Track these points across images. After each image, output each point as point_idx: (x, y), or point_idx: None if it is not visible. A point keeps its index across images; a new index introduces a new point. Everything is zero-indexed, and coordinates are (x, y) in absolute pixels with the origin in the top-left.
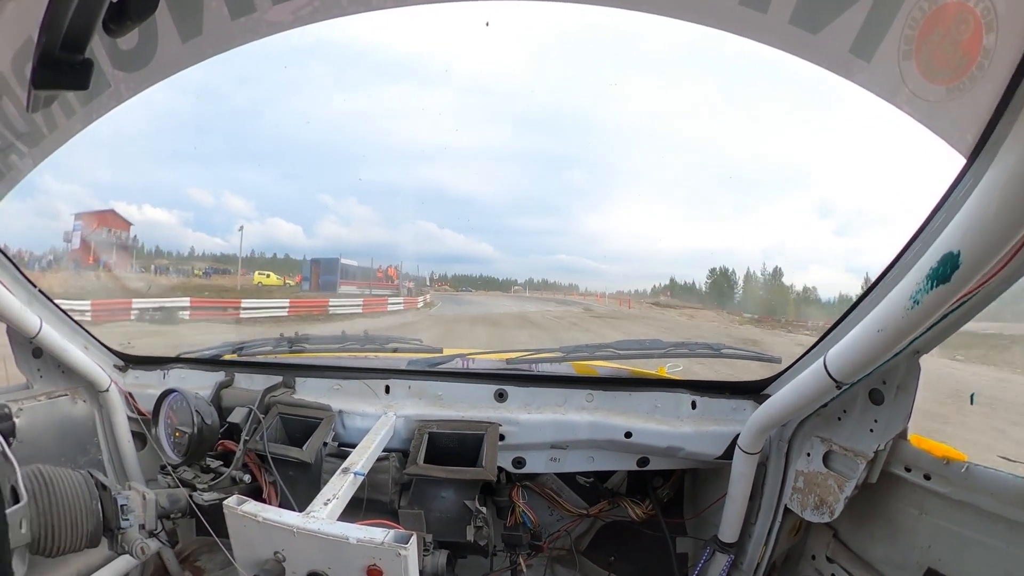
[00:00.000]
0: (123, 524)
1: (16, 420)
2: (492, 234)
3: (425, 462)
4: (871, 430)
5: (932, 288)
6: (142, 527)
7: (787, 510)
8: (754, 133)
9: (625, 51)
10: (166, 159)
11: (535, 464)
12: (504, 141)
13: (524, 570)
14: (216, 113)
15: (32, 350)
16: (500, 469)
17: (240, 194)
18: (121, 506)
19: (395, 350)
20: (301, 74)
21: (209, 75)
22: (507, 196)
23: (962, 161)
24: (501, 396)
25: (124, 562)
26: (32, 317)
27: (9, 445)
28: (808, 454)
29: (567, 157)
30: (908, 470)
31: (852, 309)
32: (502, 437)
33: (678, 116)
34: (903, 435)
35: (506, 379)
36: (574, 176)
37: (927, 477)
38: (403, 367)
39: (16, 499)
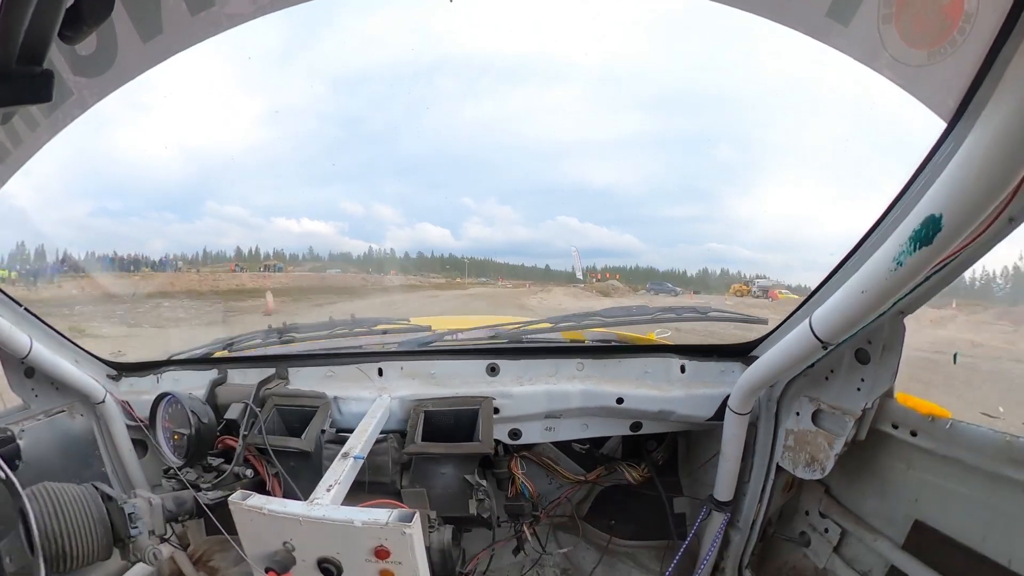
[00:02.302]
0: (132, 532)
1: (20, 442)
2: (636, 224)
3: (423, 440)
4: (858, 389)
5: (915, 250)
6: (152, 533)
7: (779, 468)
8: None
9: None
10: (318, 180)
11: (531, 434)
12: (638, 127)
13: (528, 539)
14: (356, 136)
15: (24, 370)
16: (497, 442)
17: (387, 203)
18: (129, 514)
19: (384, 331)
20: (429, 92)
21: (343, 104)
22: (647, 184)
23: (943, 125)
24: (493, 370)
25: (139, 570)
26: (22, 336)
27: (16, 468)
28: (797, 413)
29: (708, 136)
30: (895, 427)
31: (836, 270)
32: (497, 410)
33: (826, 72)
34: (890, 393)
35: (497, 353)
36: (718, 156)
37: (913, 434)
38: (394, 348)
39: (25, 521)
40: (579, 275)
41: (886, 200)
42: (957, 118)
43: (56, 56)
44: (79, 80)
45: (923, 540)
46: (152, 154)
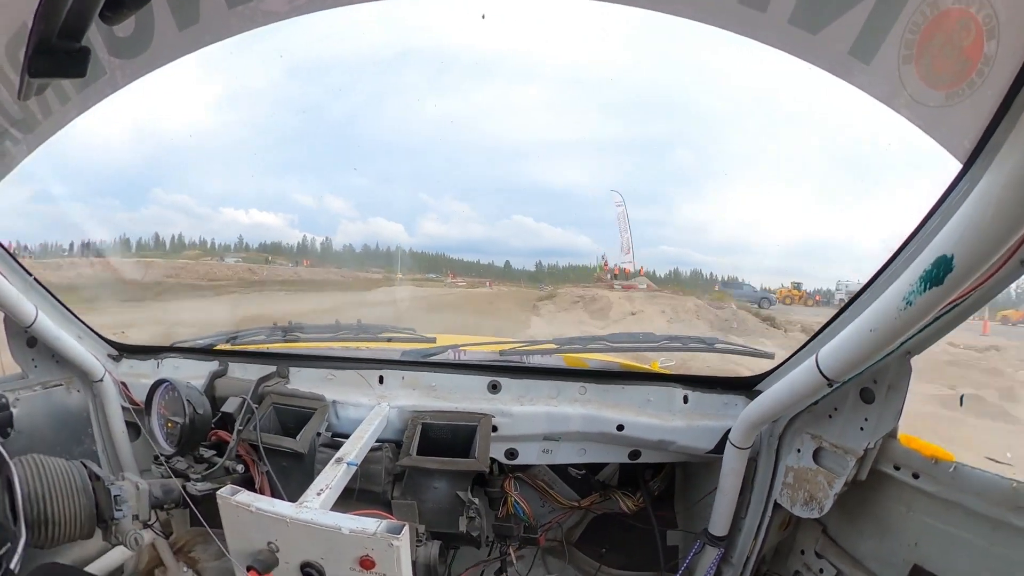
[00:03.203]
0: (116, 514)
1: (13, 410)
2: (591, 226)
3: (418, 453)
4: (861, 428)
5: (925, 290)
6: (136, 517)
7: (777, 505)
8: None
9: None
10: (270, 169)
11: (527, 455)
12: (598, 131)
13: (515, 562)
14: (312, 125)
15: (27, 339)
16: (493, 460)
17: (340, 196)
18: (115, 496)
19: (389, 340)
20: (393, 82)
21: (301, 91)
22: (604, 188)
23: (959, 166)
24: (495, 387)
25: (118, 553)
26: (28, 306)
27: (7, 436)
28: (798, 450)
29: (665, 143)
30: (897, 468)
31: (846, 308)
32: (495, 428)
33: (784, 91)
34: (893, 434)
35: (499, 371)
36: (673, 163)
37: (915, 476)
38: (397, 357)
39: (11, 490)
40: (628, 255)
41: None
42: (972, 160)
43: (94, 35)
44: (113, 60)
45: None
46: (100, 134)
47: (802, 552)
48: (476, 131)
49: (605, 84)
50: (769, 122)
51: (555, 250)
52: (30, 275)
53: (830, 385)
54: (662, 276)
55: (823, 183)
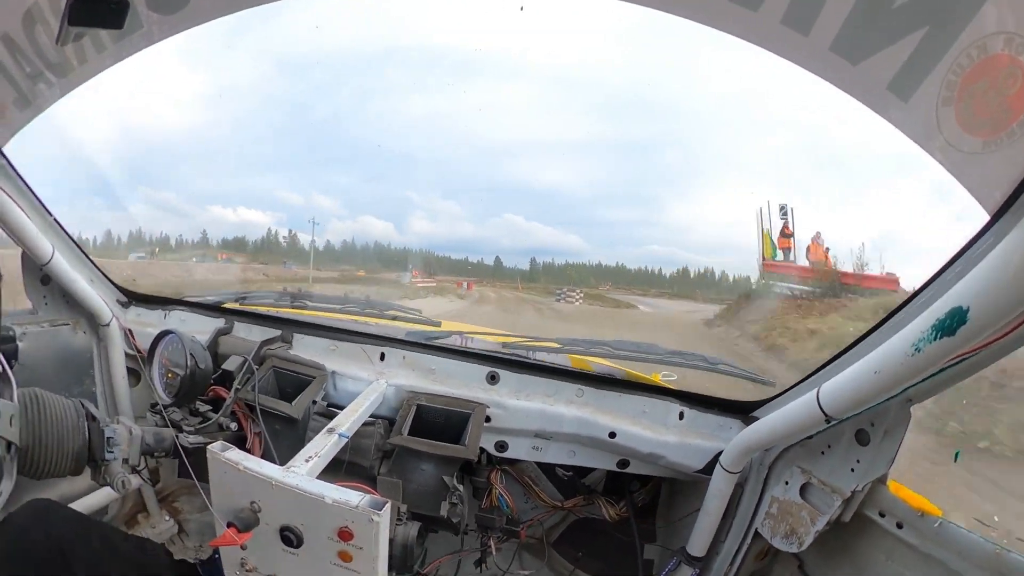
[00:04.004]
0: (107, 456)
1: (19, 343)
2: (581, 226)
3: (410, 434)
4: (852, 469)
5: (936, 339)
6: (125, 461)
7: (757, 534)
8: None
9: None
10: (257, 167)
11: (517, 450)
12: (588, 131)
13: (494, 552)
14: (299, 123)
15: (41, 277)
16: (482, 450)
17: (328, 194)
18: (108, 438)
19: (394, 318)
20: (377, 82)
21: (288, 88)
22: (594, 187)
23: (986, 217)
24: (493, 378)
25: (104, 494)
26: (45, 244)
27: (11, 367)
28: (786, 482)
29: (653, 143)
30: (882, 515)
31: (854, 345)
32: (488, 419)
33: (770, 94)
34: (883, 480)
35: (500, 362)
36: (661, 163)
37: (899, 525)
38: (401, 336)
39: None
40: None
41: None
42: (1001, 213)
43: None
44: (151, 15)
45: None
46: (87, 131)
47: None
48: (463, 130)
49: (594, 84)
50: (759, 123)
51: (546, 249)
52: (50, 214)
53: (827, 421)
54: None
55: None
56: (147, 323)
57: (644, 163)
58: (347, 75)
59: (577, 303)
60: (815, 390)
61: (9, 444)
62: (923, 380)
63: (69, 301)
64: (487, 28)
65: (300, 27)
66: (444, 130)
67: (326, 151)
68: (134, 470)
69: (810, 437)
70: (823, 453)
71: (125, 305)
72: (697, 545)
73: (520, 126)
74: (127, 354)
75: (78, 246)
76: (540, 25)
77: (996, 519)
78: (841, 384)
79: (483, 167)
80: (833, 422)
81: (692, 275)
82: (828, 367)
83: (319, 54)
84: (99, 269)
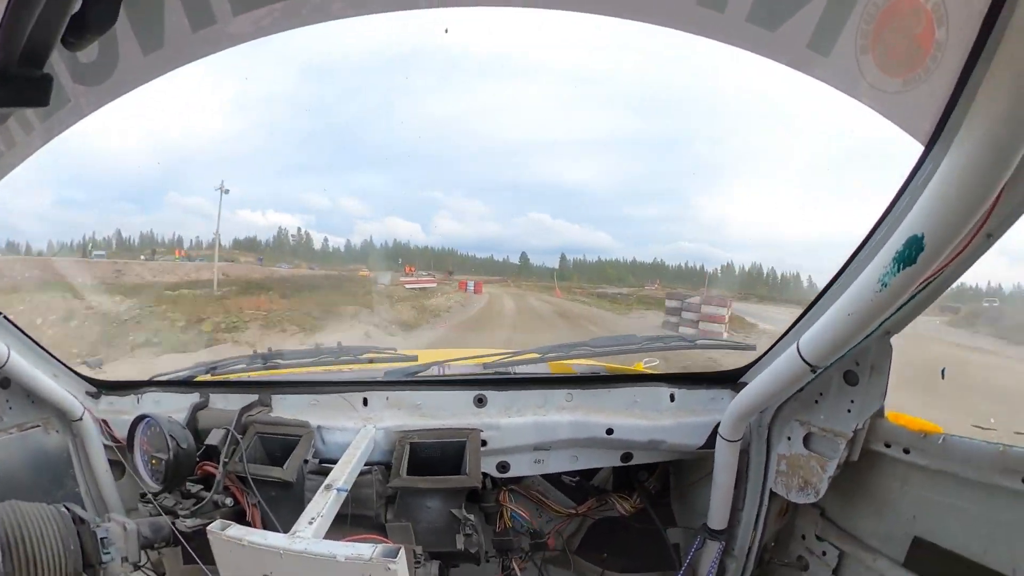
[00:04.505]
0: (104, 558)
1: None
2: (609, 223)
3: (408, 473)
4: (848, 410)
5: (899, 270)
6: (125, 559)
7: (773, 494)
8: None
9: None
10: (285, 172)
11: (519, 467)
12: (612, 127)
13: (518, 573)
14: (325, 128)
15: (0, 380)
16: (485, 475)
17: (356, 196)
18: (101, 539)
19: (370, 360)
20: (401, 84)
21: (313, 94)
22: (621, 182)
23: (920, 148)
24: (480, 401)
25: None
26: None
27: None
28: (789, 438)
29: (680, 137)
30: (888, 446)
31: (823, 294)
32: (484, 443)
33: (800, 85)
34: (880, 413)
35: (484, 384)
36: (688, 156)
37: (906, 451)
38: (379, 378)
39: None
40: None
41: (867, 220)
42: (933, 141)
43: (56, 61)
44: (78, 87)
45: (924, 556)
46: (116, 141)
47: (803, 537)
48: (487, 129)
49: (617, 79)
50: (788, 114)
51: (572, 247)
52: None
53: (813, 371)
54: None
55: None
56: (121, 410)
57: (671, 157)
58: (371, 79)
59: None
60: (795, 344)
61: None
62: (896, 311)
63: (35, 401)
64: (508, 28)
65: (323, 34)
66: (468, 130)
67: (352, 154)
68: (136, 567)
69: (801, 390)
70: (817, 402)
71: (95, 396)
72: (717, 519)
73: (544, 124)
74: (106, 446)
75: (35, 342)
76: (560, 24)
77: (992, 420)
78: (818, 333)
79: (507, 165)
80: (819, 370)
81: (737, 272)
82: (803, 320)
83: (342, 62)
84: (62, 363)
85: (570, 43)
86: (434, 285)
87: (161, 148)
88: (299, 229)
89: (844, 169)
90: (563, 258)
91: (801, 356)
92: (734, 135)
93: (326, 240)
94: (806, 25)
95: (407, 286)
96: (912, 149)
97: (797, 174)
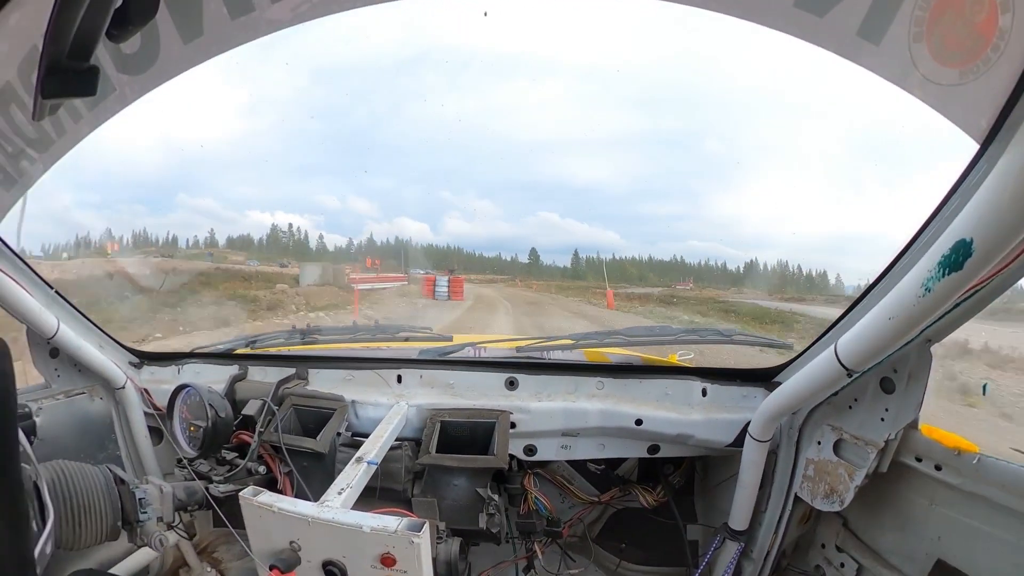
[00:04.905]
0: (142, 517)
1: (36, 419)
2: (618, 221)
3: (437, 451)
4: (882, 419)
5: (944, 276)
6: (160, 519)
7: (797, 498)
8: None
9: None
10: (295, 173)
11: (546, 452)
12: (622, 126)
13: (540, 556)
14: (335, 129)
15: (49, 350)
16: (511, 457)
17: (365, 197)
18: (139, 499)
19: (406, 339)
20: (411, 85)
21: (323, 96)
22: (631, 182)
23: (975, 147)
24: (512, 384)
25: (144, 554)
26: (50, 318)
27: (31, 443)
28: (819, 442)
29: (690, 134)
30: (919, 460)
31: (864, 296)
32: (513, 425)
33: (810, 79)
34: (914, 424)
35: (517, 367)
36: (700, 154)
37: (938, 468)
38: (414, 356)
39: (39, 495)
40: None
41: (912, 221)
42: (990, 140)
43: (102, 53)
44: (122, 77)
45: None
46: (127, 144)
47: (823, 546)
48: (497, 130)
49: (627, 77)
50: (800, 110)
51: (581, 245)
52: (51, 288)
53: (849, 375)
54: None
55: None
56: (162, 380)
57: (682, 155)
58: (381, 81)
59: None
60: (832, 346)
61: (44, 518)
62: (938, 319)
63: (81, 370)
64: (518, 27)
65: (333, 37)
66: (478, 130)
67: (362, 156)
68: (170, 527)
69: (835, 394)
70: (850, 408)
71: (137, 366)
72: (738, 519)
73: (553, 123)
74: (146, 413)
75: (83, 314)
76: (571, 22)
77: None
78: (857, 336)
79: (517, 165)
80: (855, 375)
81: (761, 271)
82: (842, 321)
83: (353, 62)
84: (107, 334)
85: (582, 41)
86: (400, 284)
87: (170, 149)
88: (290, 226)
89: (877, 166)
90: (576, 256)
91: (838, 359)
92: (747, 133)
93: (321, 237)
94: (857, 11)
95: (358, 286)
96: (966, 147)
97: (821, 171)
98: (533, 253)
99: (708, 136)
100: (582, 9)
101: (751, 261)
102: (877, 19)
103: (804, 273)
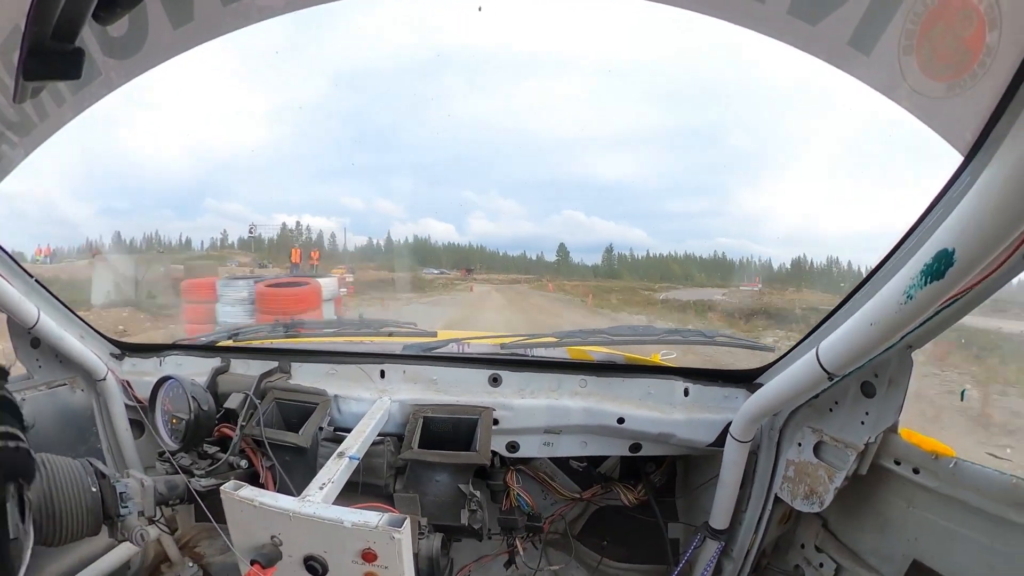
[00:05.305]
0: (122, 511)
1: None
2: (644, 219)
3: (420, 446)
4: (862, 422)
5: (926, 284)
6: (141, 514)
7: (777, 499)
8: None
9: None
10: (320, 176)
11: (529, 448)
12: (645, 121)
13: (521, 552)
14: (359, 132)
15: (31, 340)
16: (494, 453)
17: (390, 199)
18: (120, 493)
19: (390, 334)
20: (432, 87)
21: (346, 100)
22: (657, 178)
23: (960, 158)
24: (495, 381)
25: (125, 549)
26: (30, 307)
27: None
28: (799, 444)
29: (717, 128)
30: (898, 463)
31: (845, 301)
32: (496, 421)
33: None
34: (894, 428)
35: (500, 364)
36: (727, 148)
37: (916, 471)
38: (398, 351)
39: (19, 489)
40: None
41: (899, 226)
42: (974, 152)
43: (88, 36)
44: (108, 61)
45: None
46: (155, 152)
47: (802, 546)
48: (519, 128)
49: (650, 71)
50: (830, 102)
51: (607, 244)
52: (31, 277)
53: (830, 379)
54: None
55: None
56: (144, 372)
57: (709, 150)
58: (402, 84)
59: None
60: (814, 349)
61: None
62: (919, 326)
63: (63, 360)
64: (537, 26)
65: (352, 43)
66: (500, 129)
67: (386, 159)
68: (151, 521)
69: (816, 396)
70: (831, 410)
71: (119, 357)
72: (719, 518)
73: (576, 120)
74: (127, 406)
75: (64, 304)
76: (592, 16)
77: (1008, 450)
78: (839, 340)
79: (541, 163)
80: (836, 378)
81: (807, 268)
82: (824, 325)
83: (371, 67)
84: (88, 324)
85: (603, 37)
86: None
87: (197, 156)
88: (297, 224)
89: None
90: (608, 252)
91: (819, 362)
92: (776, 125)
93: (332, 236)
94: (849, 21)
95: (191, 301)
96: (950, 159)
97: (847, 166)
98: (562, 249)
99: (735, 129)
100: (600, 5)
101: (799, 257)
102: (868, 30)
103: (855, 270)
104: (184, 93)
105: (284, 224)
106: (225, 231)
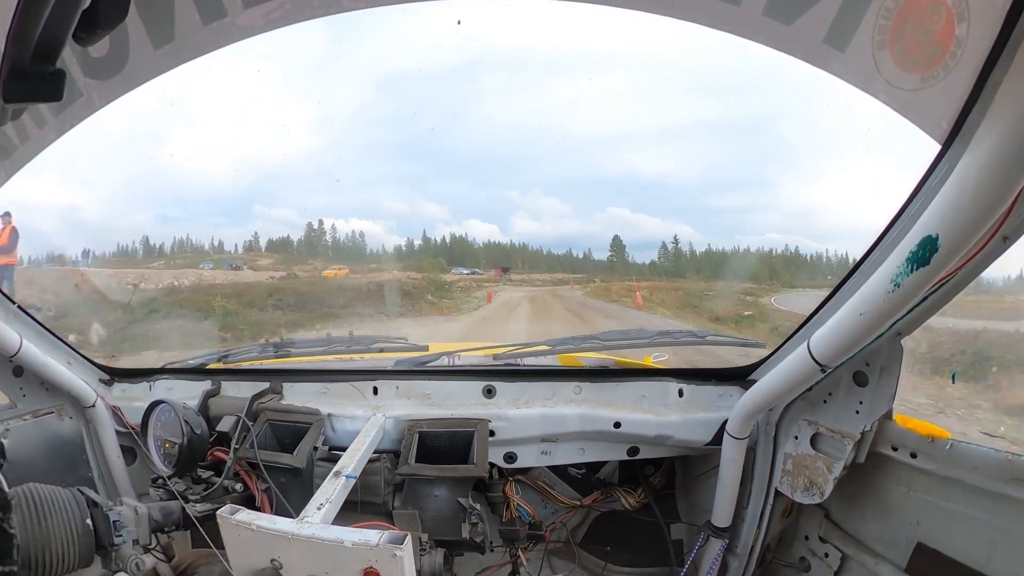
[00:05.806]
0: (116, 540)
1: (3, 441)
2: (691, 214)
3: (416, 461)
4: (857, 411)
5: (912, 271)
6: (136, 542)
7: (778, 493)
8: None
9: None
10: (365, 182)
11: (526, 458)
12: (690, 114)
13: (525, 563)
14: (401, 137)
15: (13, 368)
16: (492, 465)
17: (434, 201)
18: (114, 522)
19: (381, 350)
20: (471, 89)
21: (387, 106)
22: (702, 172)
23: (937, 147)
24: (489, 392)
25: None
26: (11, 334)
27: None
28: (796, 437)
29: (762, 119)
30: (895, 449)
31: (834, 293)
32: (492, 433)
33: None
34: (888, 415)
35: (494, 375)
36: (773, 140)
37: (913, 455)
38: (390, 367)
39: (5, 521)
40: None
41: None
42: (951, 140)
43: (68, 57)
44: (89, 82)
45: (926, 563)
46: (206, 163)
47: (806, 538)
48: (561, 125)
49: (691, 64)
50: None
51: (653, 242)
52: (12, 303)
53: (823, 371)
54: None
55: None
56: (134, 397)
57: (755, 142)
58: (442, 88)
59: None
60: (805, 343)
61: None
62: (907, 312)
63: (49, 388)
64: (573, 24)
65: (389, 50)
66: (541, 128)
67: (429, 162)
68: (146, 549)
69: (810, 389)
70: (825, 402)
71: (108, 383)
72: (721, 516)
73: (618, 116)
74: (118, 432)
75: (48, 330)
76: (621, 15)
77: (1002, 429)
78: (829, 332)
79: (583, 161)
80: (828, 370)
81: None
82: (814, 318)
83: (410, 73)
84: (75, 350)
85: (637, 31)
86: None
87: (246, 166)
88: (320, 223)
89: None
90: (675, 243)
91: (811, 355)
92: (827, 112)
93: (362, 235)
94: (823, 19)
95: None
96: (928, 148)
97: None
98: (616, 243)
99: (783, 119)
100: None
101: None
102: (842, 27)
103: None
104: (230, 107)
105: (309, 224)
106: (256, 233)
